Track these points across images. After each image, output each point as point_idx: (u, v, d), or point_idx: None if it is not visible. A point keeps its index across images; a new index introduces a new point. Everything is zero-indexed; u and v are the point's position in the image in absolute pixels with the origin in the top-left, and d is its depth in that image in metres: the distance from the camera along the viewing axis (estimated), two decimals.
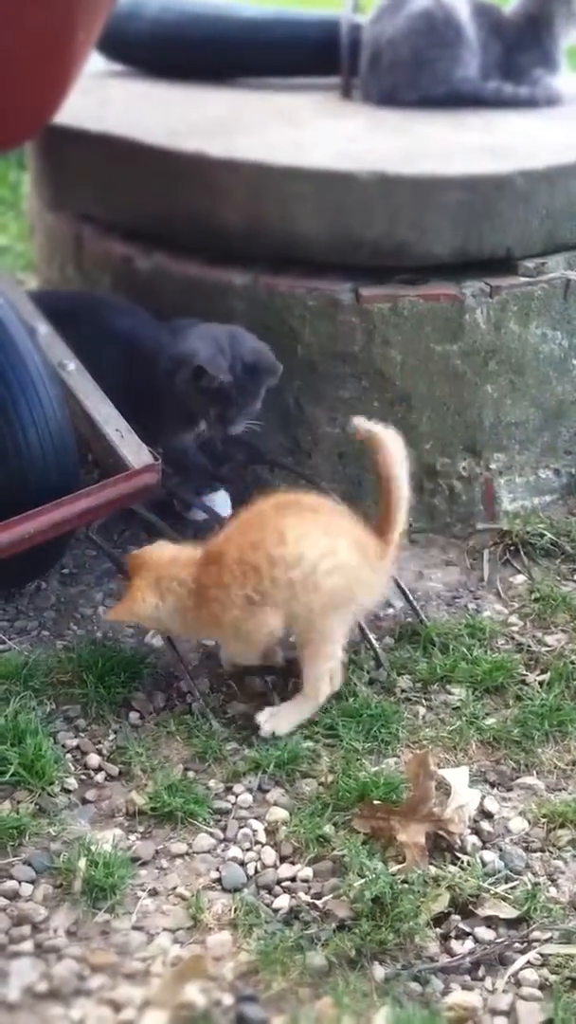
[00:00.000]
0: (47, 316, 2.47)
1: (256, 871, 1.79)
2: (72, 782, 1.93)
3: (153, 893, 1.75)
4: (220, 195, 2.56)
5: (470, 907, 1.72)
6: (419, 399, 2.52)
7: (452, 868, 1.77)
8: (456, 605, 2.38)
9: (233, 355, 2.34)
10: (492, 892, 1.74)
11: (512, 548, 2.51)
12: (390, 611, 2.34)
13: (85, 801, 1.91)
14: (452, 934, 1.69)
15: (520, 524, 2.54)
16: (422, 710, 2.09)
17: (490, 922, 1.70)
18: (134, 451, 2.21)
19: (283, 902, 1.73)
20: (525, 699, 2.11)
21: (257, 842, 1.83)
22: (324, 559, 1.94)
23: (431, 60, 2.92)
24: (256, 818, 1.87)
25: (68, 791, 1.91)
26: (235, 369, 2.32)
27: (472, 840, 1.83)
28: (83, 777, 1.95)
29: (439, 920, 1.70)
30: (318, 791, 1.91)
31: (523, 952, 1.66)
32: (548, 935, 1.68)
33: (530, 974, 1.63)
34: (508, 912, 1.71)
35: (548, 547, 2.50)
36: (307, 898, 1.73)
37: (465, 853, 1.80)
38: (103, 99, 3.00)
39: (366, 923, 1.66)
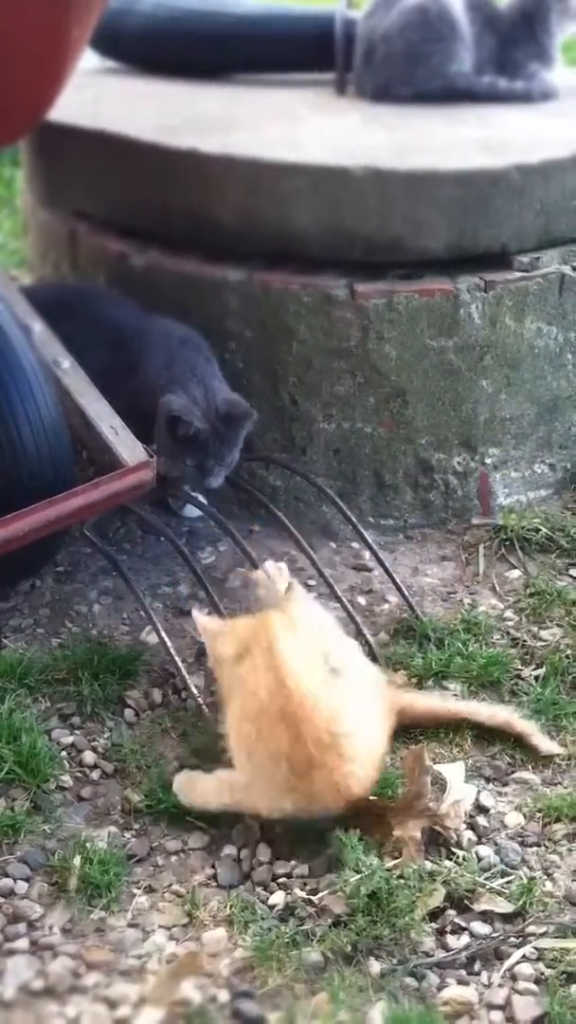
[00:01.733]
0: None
1: (251, 867, 1.79)
2: (67, 780, 1.93)
3: (148, 890, 1.75)
4: (214, 191, 2.55)
5: (466, 902, 1.72)
6: (414, 394, 2.52)
7: (447, 863, 1.77)
8: (451, 600, 2.38)
9: (207, 405, 2.33)
10: (488, 887, 1.74)
11: (507, 543, 2.51)
12: (385, 607, 2.34)
13: (80, 799, 1.91)
14: (448, 929, 1.69)
15: (515, 519, 2.53)
16: None
17: (486, 917, 1.70)
18: (129, 448, 2.20)
19: (278, 898, 1.73)
20: (521, 694, 2.11)
21: (252, 839, 1.83)
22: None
23: (425, 55, 2.92)
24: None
25: (63, 789, 1.91)
26: (210, 418, 2.31)
27: (468, 835, 1.83)
28: (78, 775, 1.95)
29: (435, 915, 1.70)
30: None
31: (519, 946, 1.66)
32: (544, 929, 1.68)
33: (526, 968, 1.63)
34: (504, 907, 1.71)
35: (543, 542, 2.50)
36: (302, 894, 1.73)
37: (461, 848, 1.80)
38: (97, 96, 3.00)
39: (362, 919, 1.66)
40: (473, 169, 2.48)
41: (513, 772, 1.96)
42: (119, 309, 2.57)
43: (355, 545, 2.52)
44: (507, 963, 1.64)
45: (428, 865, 1.76)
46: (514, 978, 1.63)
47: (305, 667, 1.75)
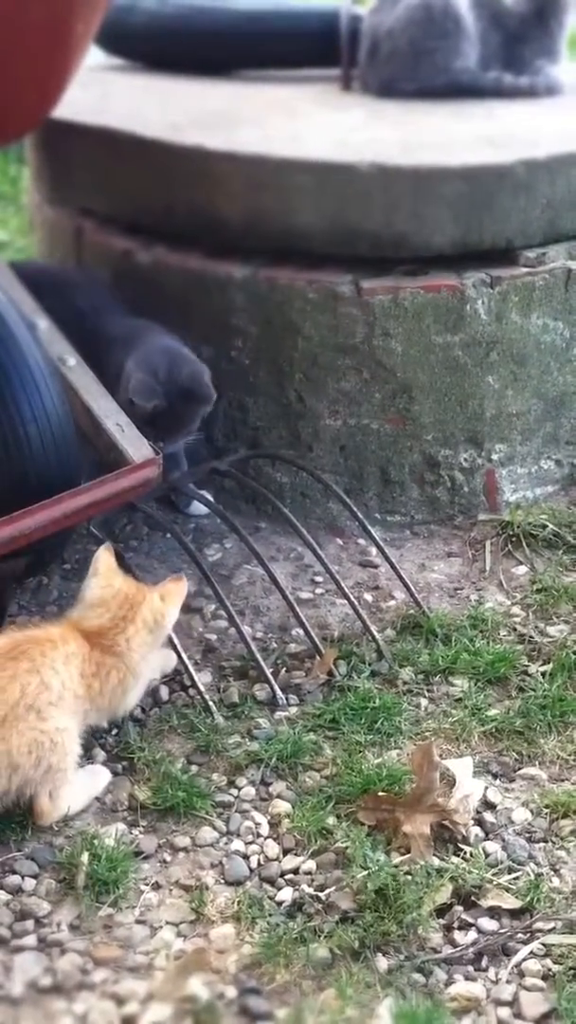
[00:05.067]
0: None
1: (259, 864, 1.79)
2: None
3: (156, 887, 1.75)
4: (220, 188, 2.55)
5: (473, 898, 1.72)
6: (420, 391, 2.52)
7: (455, 859, 1.77)
8: (458, 596, 2.38)
9: (169, 379, 2.32)
10: (495, 883, 1.74)
11: (514, 539, 2.51)
12: (392, 603, 2.34)
13: None
14: (455, 925, 1.69)
15: (522, 515, 2.53)
16: (424, 702, 2.09)
17: (493, 913, 1.70)
18: (135, 445, 2.20)
19: (286, 895, 1.73)
20: (527, 690, 2.11)
21: (260, 835, 1.83)
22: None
23: (430, 51, 2.92)
24: (259, 811, 1.87)
25: None
26: (169, 394, 2.31)
27: (475, 831, 1.83)
28: None
29: (442, 911, 1.70)
30: (321, 784, 1.91)
31: (526, 942, 1.66)
32: (551, 925, 1.68)
33: (533, 964, 1.63)
34: (511, 903, 1.71)
35: (550, 538, 2.50)
36: (310, 890, 1.73)
37: (468, 844, 1.80)
38: (103, 93, 3.00)
39: (369, 915, 1.66)
40: (479, 165, 2.48)
41: (520, 768, 1.96)
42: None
43: (362, 541, 2.52)
44: (515, 959, 1.64)
45: (436, 861, 1.76)
46: (522, 974, 1.63)
47: None
